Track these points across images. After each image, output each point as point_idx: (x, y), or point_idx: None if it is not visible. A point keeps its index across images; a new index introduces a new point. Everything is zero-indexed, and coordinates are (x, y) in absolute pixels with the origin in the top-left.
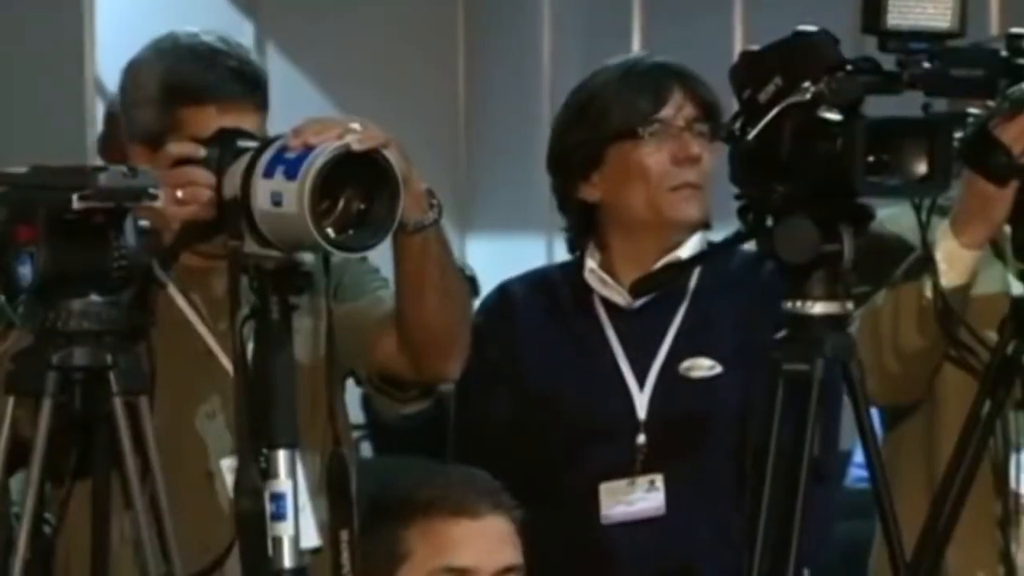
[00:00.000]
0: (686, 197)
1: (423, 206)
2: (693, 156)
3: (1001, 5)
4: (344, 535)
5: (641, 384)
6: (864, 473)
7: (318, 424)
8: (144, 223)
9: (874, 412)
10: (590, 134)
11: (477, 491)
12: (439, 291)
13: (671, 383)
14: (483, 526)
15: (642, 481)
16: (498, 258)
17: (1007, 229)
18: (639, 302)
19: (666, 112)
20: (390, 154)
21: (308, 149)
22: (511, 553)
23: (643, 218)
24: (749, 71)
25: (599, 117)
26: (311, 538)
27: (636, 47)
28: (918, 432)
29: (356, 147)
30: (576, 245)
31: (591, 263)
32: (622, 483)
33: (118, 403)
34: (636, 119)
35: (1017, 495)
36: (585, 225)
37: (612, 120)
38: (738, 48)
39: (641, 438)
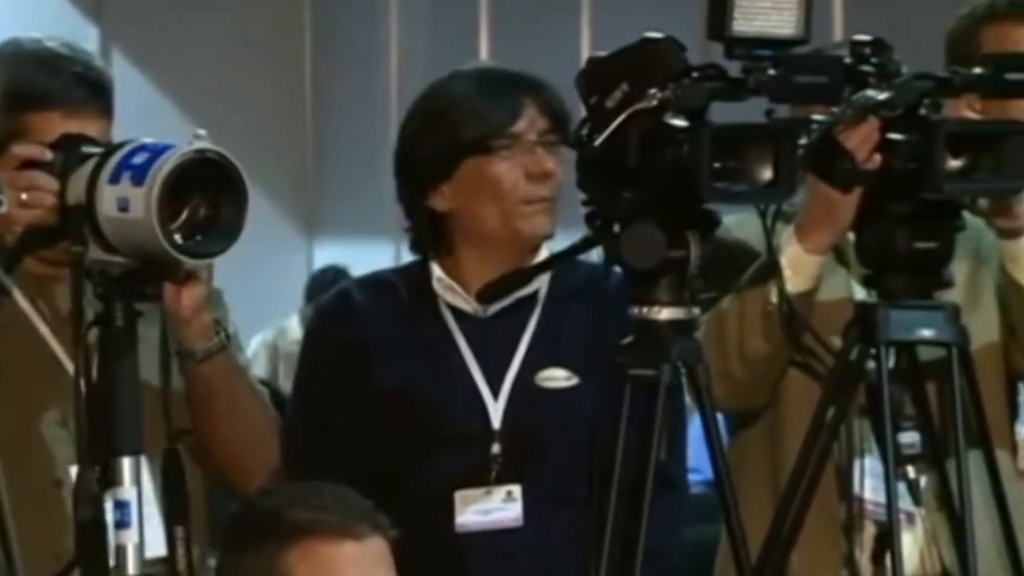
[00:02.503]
0: (538, 211)
1: (208, 335)
2: (547, 172)
3: (845, 12)
4: (179, 531)
5: (495, 393)
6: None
7: (162, 430)
8: None
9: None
10: (443, 145)
11: (354, 512)
12: (227, 419)
13: (526, 393)
14: (365, 548)
15: (499, 491)
16: (345, 263)
17: (851, 235)
18: (491, 310)
19: (520, 126)
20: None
21: (155, 155)
22: (391, 574)
23: (495, 232)
24: (596, 77)
25: (453, 129)
26: (158, 547)
27: (484, 52)
28: (763, 437)
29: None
30: (421, 249)
31: (438, 271)
32: (478, 492)
33: None
34: (491, 134)
35: (861, 500)
36: (432, 231)
37: (466, 133)
38: (585, 54)
39: (496, 447)
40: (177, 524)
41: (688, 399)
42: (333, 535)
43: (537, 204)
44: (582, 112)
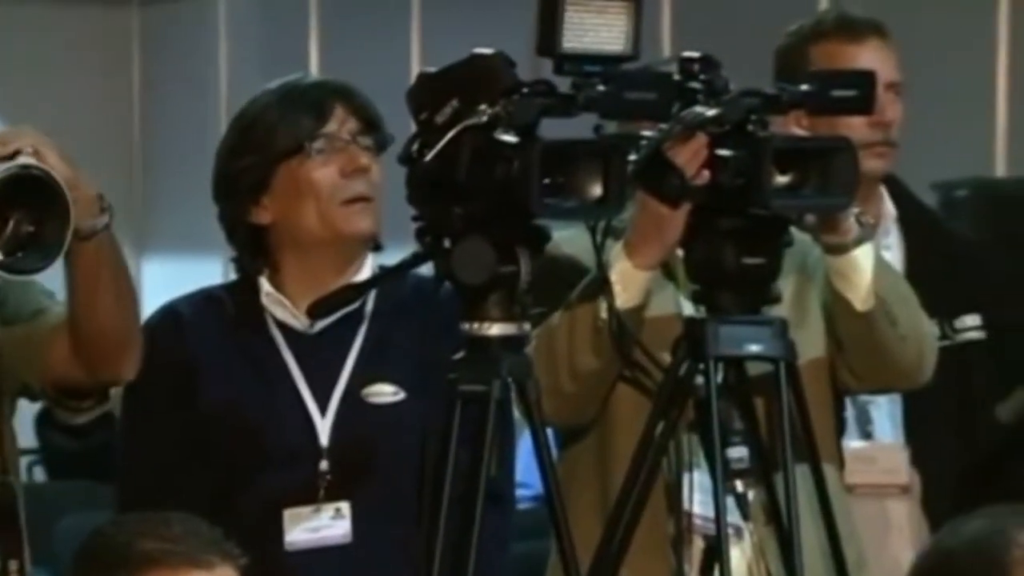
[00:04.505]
0: (358, 210)
1: (94, 211)
2: (362, 167)
3: (673, 29)
4: (13, 565)
5: (323, 410)
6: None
7: None
8: None
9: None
10: (257, 157)
11: (204, 541)
12: (113, 295)
13: (353, 409)
14: None
15: (328, 508)
16: (174, 279)
17: (679, 251)
18: (318, 326)
19: (330, 127)
20: (53, 161)
21: None
22: None
23: (317, 235)
24: (426, 93)
25: (264, 140)
26: None
27: (314, 68)
28: (593, 452)
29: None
30: (247, 269)
31: (267, 286)
32: (306, 509)
33: None
34: (301, 135)
35: (689, 514)
36: (256, 249)
37: (277, 140)
38: (415, 69)
39: (324, 464)
40: (10, 558)
41: (518, 414)
42: (183, 565)
43: (356, 203)
44: (412, 128)
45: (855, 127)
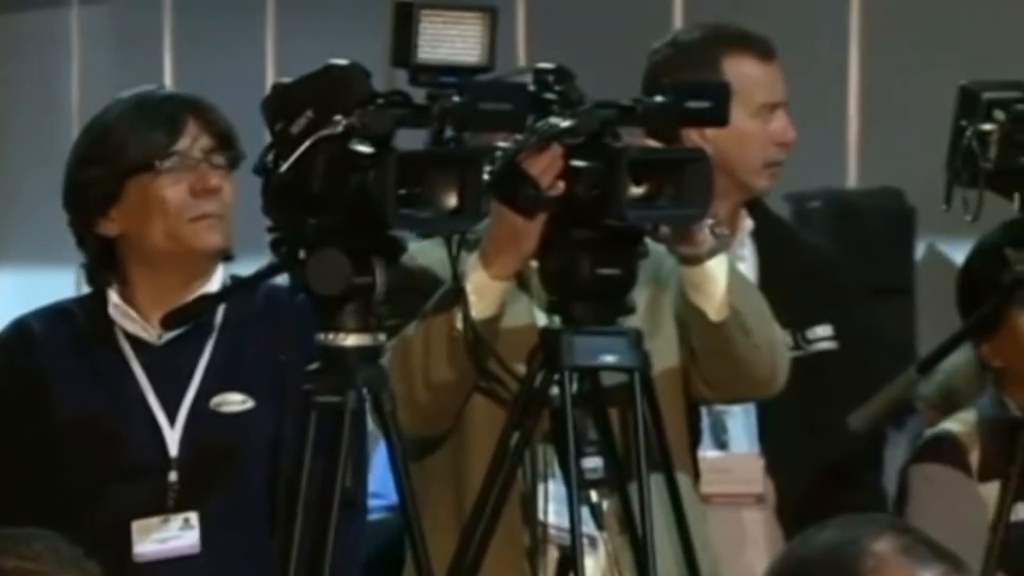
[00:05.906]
0: (207, 226)
1: None
2: (212, 188)
3: (528, 40)
4: None
5: (172, 421)
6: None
7: None
8: None
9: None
10: (107, 169)
11: (64, 560)
12: None
13: (202, 419)
14: None
15: (176, 519)
16: (26, 292)
17: (534, 262)
18: (166, 337)
19: (182, 144)
20: None
21: None
22: None
23: (165, 251)
24: (281, 103)
25: (115, 152)
26: None
27: (168, 77)
28: (448, 462)
29: None
30: (96, 280)
31: (115, 298)
32: (155, 520)
33: None
34: (152, 152)
35: (544, 525)
36: (105, 260)
37: (128, 154)
38: (270, 79)
39: (173, 475)
40: None
41: (372, 424)
42: None
43: (205, 219)
44: (267, 139)
45: (765, 146)
